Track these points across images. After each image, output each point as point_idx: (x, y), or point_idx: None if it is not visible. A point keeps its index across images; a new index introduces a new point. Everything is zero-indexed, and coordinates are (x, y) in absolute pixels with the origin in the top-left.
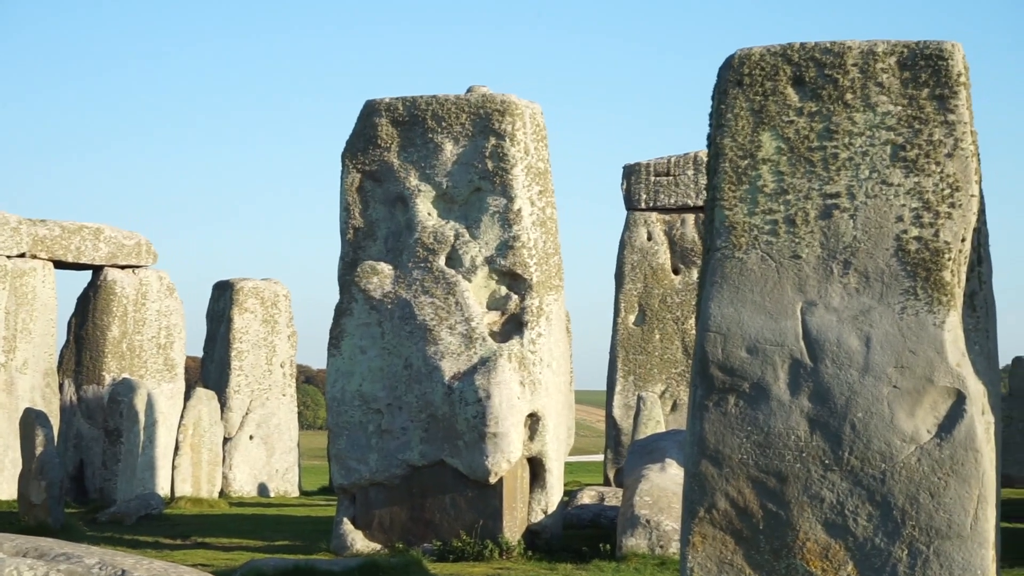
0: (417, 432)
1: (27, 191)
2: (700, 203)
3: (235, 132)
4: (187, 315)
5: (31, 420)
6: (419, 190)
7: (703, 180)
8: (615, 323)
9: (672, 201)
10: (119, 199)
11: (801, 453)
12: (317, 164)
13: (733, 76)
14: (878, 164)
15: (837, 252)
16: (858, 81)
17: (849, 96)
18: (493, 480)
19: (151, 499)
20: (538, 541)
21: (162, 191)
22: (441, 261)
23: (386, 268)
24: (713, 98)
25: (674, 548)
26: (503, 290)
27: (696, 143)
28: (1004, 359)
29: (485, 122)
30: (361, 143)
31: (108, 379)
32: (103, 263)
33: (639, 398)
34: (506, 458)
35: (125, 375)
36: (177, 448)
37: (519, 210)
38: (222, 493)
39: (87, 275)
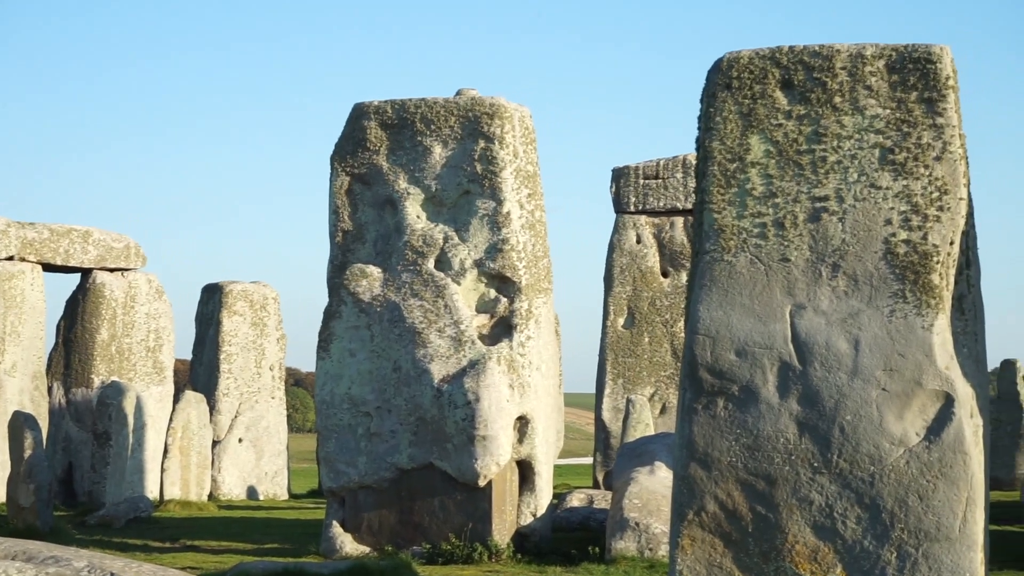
0: (406, 435)
1: (16, 194)
2: (689, 206)
3: (224, 135)
4: (176, 318)
5: (20, 423)
6: (408, 193)
7: (692, 183)
8: (604, 326)
9: (661, 204)
10: (108, 202)
11: (790, 456)
12: (306, 167)
13: (722, 79)
14: (866, 167)
15: (826, 255)
16: (847, 84)
17: (838, 99)
18: (482, 483)
19: (140, 502)
20: (527, 544)
21: (151, 194)
22: (430, 264)
23: (375, 271)
24: (702, 101)
25: (663, 551)
26: (492, 293)
27: (685, 146)
28: (992, 362)
29: (474, 125)
30: (350, 146)
31: (97, 382)
32: (92, 266)
33: (628, 401)
34: (495, 461)
35: (114, 378)
36: (166, 451)
37: (508, 213)
38: (211, 496)
39: (76, 278)
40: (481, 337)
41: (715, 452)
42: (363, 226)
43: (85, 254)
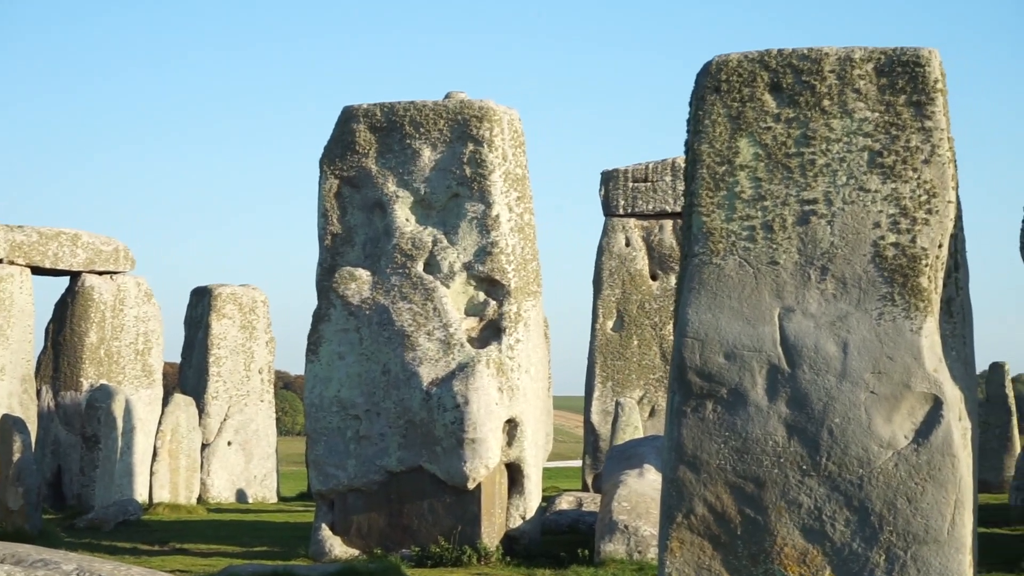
0: (395, 438)
1: (4, 197)
2: (678, 209)
3: (213, 138)
4: (165, 321)
5: (8, 426)
6: (397, 196)
7: (681, 186)
8: (593, 329)
9: (650, 207)
10: (97, 205)
11: (779, 458)
12: (295, 170)
13: (711, 82)
14: (855, 170)
15: (814, 258)
16: (835, 87)
17: (826, 102)
18: (471, 486)
19: (129, 505)
20: (516, 547)
21: (140, 197)
22: (419, 267)
23: (364, 274)
24: (691, 104)
25: (652, 553)
26: (481, 296)
27: (674, 149)
28: (981, 364)
29: (463, 128)
30: (339, 149)
31: (86, 385)
32: (81, 269)
33: (617, 404)
34: (484, 464)
35: (103, 381)
36: (155, 454)
37: (497, 216)
38: (200, 499)
39: (65, 281)
40: (470, 340)
41: (704, 455)
42: (352, 229)
43: (74, 257)
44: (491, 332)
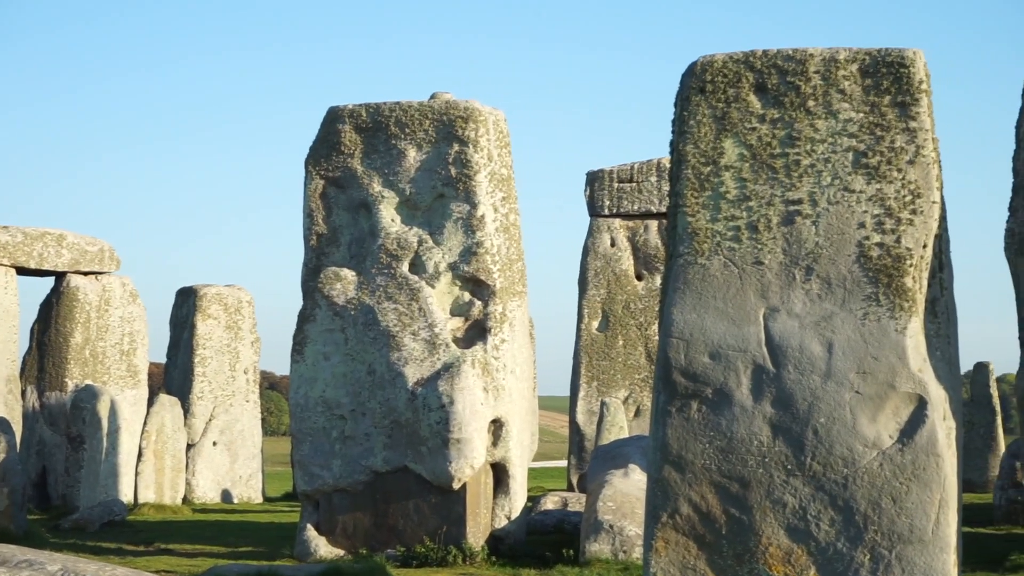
0: (380, 438)
1: None
2: (663, 209)
3: (198, 139)
4: (150, 321)
5: None
6: (382, 196)
7: (666, 186)
8: (578, 329)
9: (635, 207)
10: (82, 205)
11: (764, 458)
12: (280, 170)
13: (696, 83)
14: (840, 171)
15: (799, 258)
16: (820, 88)
17: (811, 103)
18: (457, 486)
19: (114, 506)
20: (502, 547)
21: (125, 197)
22: (404, 267)
23: (349, 274)
24: (676, 105)
25: (637, 553)
26: (466, 296)
27: (659, 150)
28: (965, 365)
29: (448, 128)
30: (324, 149)
31: (71, 385)
32: (66, 269)
33: (602, 404)
34: (469, 464)
35: (88, 381)
36: (140, 454)
37: (482, 216)
38: (185, 499)
39: (50, 281)
40: (455, 340)
41: (689, 455)
42: (337, 229)
43: (59, 257)
44: (476, 332)
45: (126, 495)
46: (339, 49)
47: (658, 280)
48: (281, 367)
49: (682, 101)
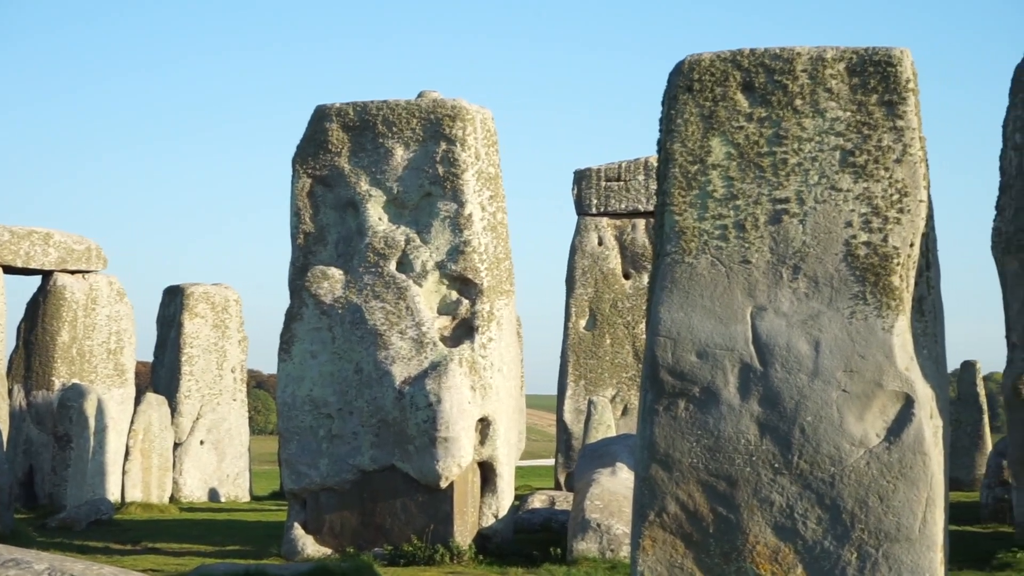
0: (368, 437)
1: None
2: (651, 208)
3: (185, 137)
4: (137, 320)
5: None
6: (370, 195)
7: (653, 185)
8: (566, 328)
9: (623, 206)
10: (69, 204)
11: (751, 457)
12: (268, 169)
13: (683, 82)
14: (827, 169)
15: (786, 257)
16: (807, 87)
17: (798, 102)
18: (444, 485)
19: (101, 504)
20: (489, 545)
21: (112, 196)
22: (392, 266)
23: (337, 273)
24: (663, 103)
25: (625, 552)
26: (454, 295)
27: (647, 148)
28: (952, 363)
29: (436, 127)
30: (312, 148)
31: (58, 384)
32: (53, 268)
33: (590, 402)
34: (457, 463)
35: (75, 380)
36: (127, 453)
37: (470, 215)
38: (172, 498)
39: (36, 280)
40: (443, 339)
41: (676, 453)
42: (325, 228)
43: (46, 256)
44: (464, 331)
45: (113, 494)
46: (327, 48)
47: (646, 279)
48: (268, 366)
49: (669, 100)
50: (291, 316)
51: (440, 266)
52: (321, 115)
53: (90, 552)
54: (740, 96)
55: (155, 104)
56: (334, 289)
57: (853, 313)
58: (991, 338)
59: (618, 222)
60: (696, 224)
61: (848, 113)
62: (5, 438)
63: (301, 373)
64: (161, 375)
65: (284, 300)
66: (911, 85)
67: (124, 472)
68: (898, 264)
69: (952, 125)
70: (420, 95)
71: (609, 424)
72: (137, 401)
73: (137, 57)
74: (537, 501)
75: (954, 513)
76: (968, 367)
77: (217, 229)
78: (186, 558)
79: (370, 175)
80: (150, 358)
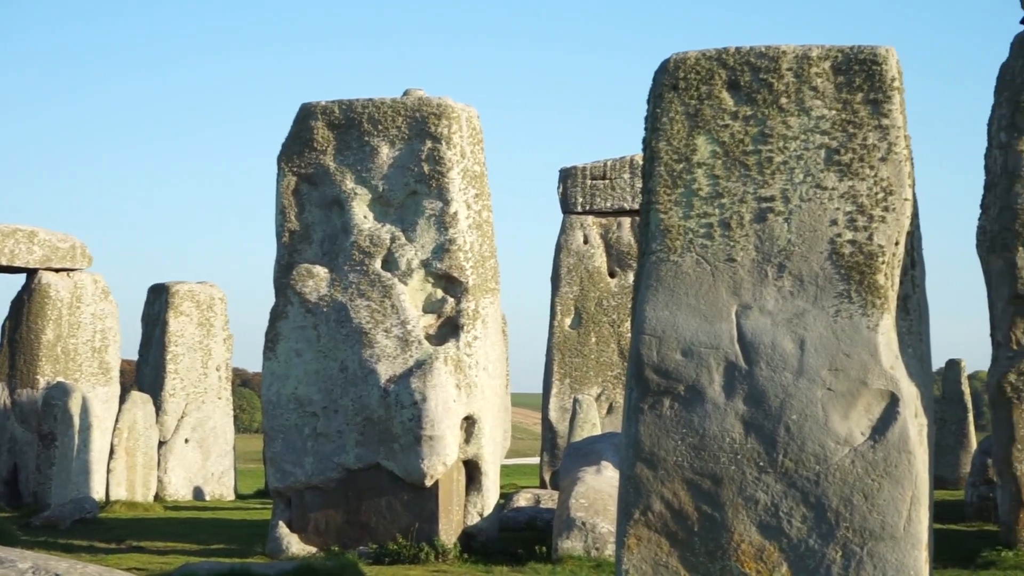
0: (353, 435)
1: None
2: (636, 206)
3: (170, 135)
4: (122, 318)
5: None
6: (355, 193)
7: (639, 184)
8: (551, 326)
9: (608, 204)
10: (53, 202)
11: (736, 455)
12: (253, 167)
13: (668, 80)
14: (812, 168)
15: (772, 255)
16: (792, 85)
17: (784, 100)
18: (429, 483)
19: (85, 503)
20: (474, 544)
21: (97, 194)
22: (377, 264)
23: (322, 271)
24: (649, 102)
25: (610, 550)
26: (439, 293)
27: (632, 147)
28: (937, 362)
29: (421, 125)
30: (297, 146)
31: (42, 383)
32: (37, 266)
33: (575, 401)
34: (442, 461)
35: (59, 379)
36: (112, 452)
37: (455, 213)
38: (157, 497)
39: (21, 278)
40: (428, 337)
41: (661, 452)
42: (310, 226)
43: (30, 254)
44: (449, 329)
45: (98, 492)
46: (312, 46)
47: (631, 277)
48: (253, 364)
49: (655, 98)
50: (276, 314)
51: (425, 264)
52: (306, 113)
53: (74, 551)
54: (725, 94)
55: (140, 102)
56: (319, 287)
57: (838, 311)
58: (976, 336)
59: (603, 220)
60: (681, 222)
61: (833, 111)
62: None
63: (286, 371)
64: (146, 373)
65: (269, 298)
66: (896, 84)
67: (109, 470)
68: (883, 262)
69: (937, 124)
70: (405, 93)
71: (594, 422)
72: (122, 399)
73: (123, 55)
74: (522, 499)
75: (939, 511)
76: (953, 365)
77: (202, 227)
78: (171, 557)
79: (355, 173)
80: (135, 356)
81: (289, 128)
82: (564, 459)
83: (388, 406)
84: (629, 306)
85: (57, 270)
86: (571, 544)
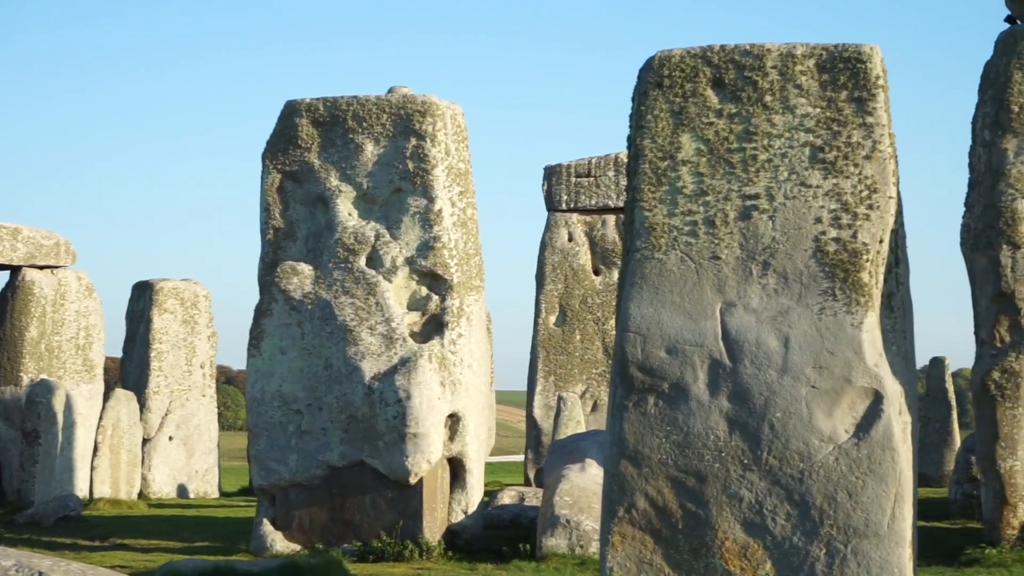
0: (337, 433)
1: None
2: (621, 204)
3: (155, 132)
4: (106, 315)
5: None
6: (340, 190)
7: (624, 181)
8: (536, 324)
9: (593, 202)
10: (38, 199)
11: (720, 453)
12: (237, 164)
13: (653, 78)
14: (797, 166)
15: (756, 253)
16: (777, 83)
17: (768, 98)
18: (413, 480)
19: (69, 501)
20: (458, 541)
21: (81, 191)
22: (362, 262)
23: (306, 269)
24: (633, 99)
25: (594, 548)
26: (424, 291)
27: (617, 144)
28: (921, 359)
29: (406, 123)
30: (282, 143)
31: (26, 380)
32: (21, 263)
33: (559, 398)
34: (426, 458)
35: (43, 376)
36: (96, 449)
37: (440, 211)
38: (141, 494)
39: (4, 275)
40: (412, 335)
41: (645, 449)
42: (294, 223)
43: (14, 251)
44: (433, 327)
45: (81, 490)
46: (297, 43)
47: (615, 275)
48: (238, 362)
49: (639, 96)
50: (260, 312)
51: (410, 262)
52: (291, 110)
53: (58, 548)
54: (710, 92)
55: (125, 99)
56: (303, 285)
57: (822, 309)
58: (960, 334)
59: (588, 218)
60: (666, 220)
61: (818, 109)
62: None
63: (270, 369)
64: (130, 371)
65: (254, 295)
66: (881, 82)
67: (92, 468)
68: (867, 260)
69: (922, 122)
70: (390, 91)
71: (579, 420)
72: (106, 397)
73: (107, 52)
74: (507, 497)
75: (923, 509)
76: (937, 363)
77: (186, 224)
78: (155, 554)
79: (340, 170)
80: (119, 354)
81: (274, 125)
82: (548, 457)
83: (372, 404)
84: (614, 304)
85: (41, 267)
86: (555, 542)
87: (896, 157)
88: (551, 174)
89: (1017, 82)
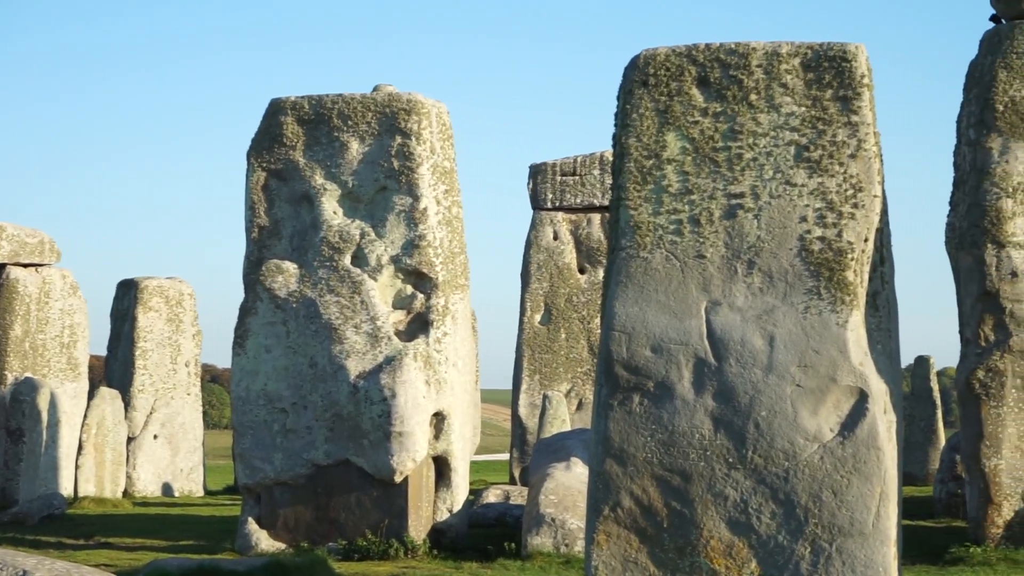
0: (322, 431)
1: None
2: (606, 203)
3: (140, 130)
4: (91, 314)
5: None
6: (325, 189)
7: (609, 180)
8: (521, 322)
9: (578, 201)
10: (22, 196)
11: (705, 452)
12: (222, 162)
13: (638, 76)
14: (782, 164)
15: (741, 252)
16: (762, 82)
17: (753, 97)
18: (398, 479)
19: (54, 499)
20: (443, 540)
21: (65, 189)
22: (347, 260)
23: (291, 267)
24: (618, 98)
25: (579, 547)
26: (409, 289)
27: (602, 143)
28: (906, 358)
29: (391, 121)
30: (267, 141)
31: (10, 378)
32: (5, 261)
33: (545, 397)
34: (411, 457)
35: (28, 374)
36: (80, 448)
37: (425, 209)
38: (126, 493)
39: None
40: (397, 333)
41: (631, 448)
42: (279, 222)
43: None
44: (419, 325)
45: (66, 489)
46: (282, 42)
47: (601, 273)
48: (223, 360)
49: (625, 94)
50: (245, 310)
51: (395, 260)
52: (276, 108)
53: (43, 547)
54: (695, 91)
55: (109, 98)
56: (288, 283)
57: (807, 308)
58: (945, 333)
59: (573, 217)
60: (651, 219)
61: (803, 108)
62: None
63: (255, 367)
64: (115, 369)
65: (239, 294)
66: (866, 81)
67: (77, 466)
68: (852, 259)
69: (907, 121)
70: (375, 89)
71: (564, 419)
72: (90, 395)
73: (91, 52)
74: (492, 496)
75: (907, 508)
76: (922, 362)
77: (171, 223)
78: (139, 553)
79: (325, 169)
80: (104, 352)
81: (259, 124)
82: (534, 455)
83: (357, 402)
84: (599, 302)
85: (25, 265)
86: (540, 540)
87: (881, 156)
88: (536, 173)
89: (1002, 81)
